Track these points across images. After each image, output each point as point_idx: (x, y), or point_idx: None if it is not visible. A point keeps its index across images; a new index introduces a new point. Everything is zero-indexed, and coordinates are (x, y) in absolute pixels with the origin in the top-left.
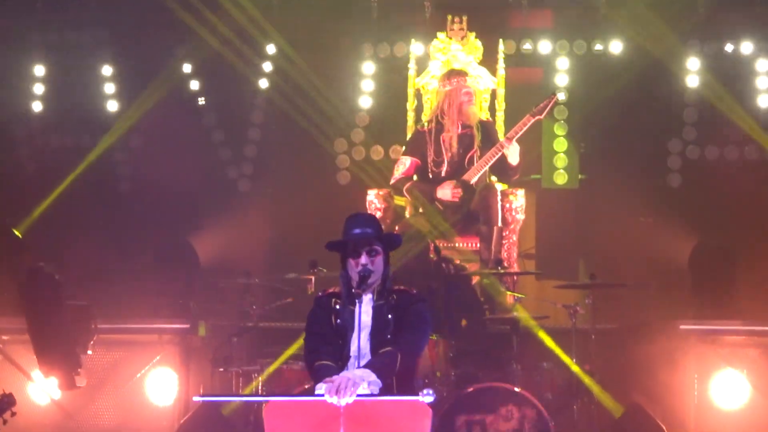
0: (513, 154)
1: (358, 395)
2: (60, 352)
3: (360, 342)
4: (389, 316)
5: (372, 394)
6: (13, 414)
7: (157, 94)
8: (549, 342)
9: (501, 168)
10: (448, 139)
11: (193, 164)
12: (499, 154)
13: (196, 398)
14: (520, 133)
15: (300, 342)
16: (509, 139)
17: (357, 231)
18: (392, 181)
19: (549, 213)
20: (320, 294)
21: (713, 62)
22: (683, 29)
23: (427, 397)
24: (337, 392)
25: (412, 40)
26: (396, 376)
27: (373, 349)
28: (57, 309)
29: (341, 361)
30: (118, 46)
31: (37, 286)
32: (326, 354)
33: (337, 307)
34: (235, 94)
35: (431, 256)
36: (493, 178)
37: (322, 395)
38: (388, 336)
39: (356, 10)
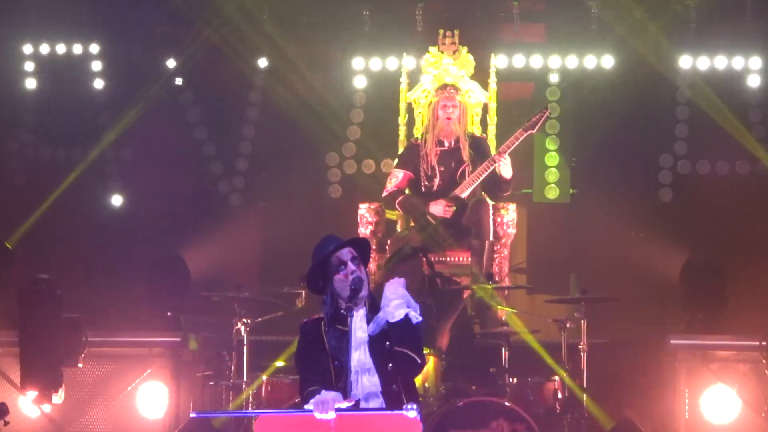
0: (506, 167)
1: (341, 410)
2: (45, 367)
3: (360, 357)
4: (384, 327)
5: (356, 408)
6: (6, 423)
7: (147, 106)
8: (543, 354)
9: (493, 183)
10: (431, 154)
11: (184, 178)
12: (492, 168)
13: (192, 415)
14: (512, 147)
15: (289, 353)
16: (501, 153)
17: (333, 246)
18: (384, 194)
19: (540, 227)
20: (305, 321)
21: (705, 77)
22: (675, 44)
23: (410, 412)
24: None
25: (404, 54)
26: (403, 385)
27: (376, 362)
28: (52, 323)
29: (340, 381)
30: (109, 59)
31: (37, 298)
32: (316, 381)
33: (327, 329)
34: (226, 108)
35: (424, 270)
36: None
37: (312, 411)
38: (387, 345)
39: (348, 23)
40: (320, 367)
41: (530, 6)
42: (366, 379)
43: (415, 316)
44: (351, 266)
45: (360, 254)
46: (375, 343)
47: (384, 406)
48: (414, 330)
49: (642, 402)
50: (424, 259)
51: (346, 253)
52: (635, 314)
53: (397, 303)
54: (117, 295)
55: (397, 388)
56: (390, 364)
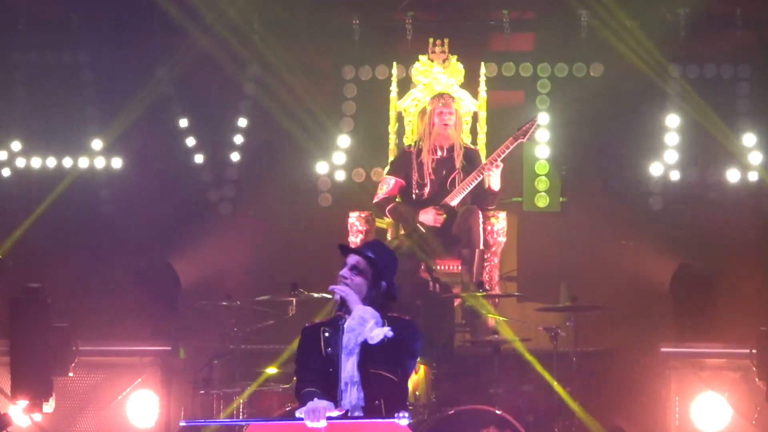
0: (495, 179)
1: (332, 418)
2: (35, 376)
3: (348, 368)
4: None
5: (347, 417)
6: None
7: (137, 114)
8: (533, 362)
9: (480, 195)
10: (426, 161)
11: (174, 186)
12: (481, 177)
13: (182, 423)
14: (503, 156)
15: (280, 362)
16: (492, 161)
17: (344, 248)
18: (375, 200)
19: (530, 236)
20: (307, 325)
21: (694, 85)
22: (664, 52)
23: (402, 420)
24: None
25: (394, 63)
26: (386, 402)
27: (363, 376)
28: (42, 332)
29: (333, 389)
30: (99, 67)
31: (27, 307)
32: (313, 382)
33: (327, 335)
34: (216, 116)
35: (421, 275)
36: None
37: (302, 419)
38: (376, 362)
39: (338, 32)
40: (317, 370)
41: (520, 15)
42: (355, 391)
43: (387, 332)
44: (342, 272)
45: (371, 264)
46: (363, 357)
47: None
48: (392, 348)
49: (632, 410)
50: (425, 264)
51: (350, 259)
52: (626, 322)
53: (371, 324)
54: (107, 304)
55: (379, 405)
56: (373, 383)
